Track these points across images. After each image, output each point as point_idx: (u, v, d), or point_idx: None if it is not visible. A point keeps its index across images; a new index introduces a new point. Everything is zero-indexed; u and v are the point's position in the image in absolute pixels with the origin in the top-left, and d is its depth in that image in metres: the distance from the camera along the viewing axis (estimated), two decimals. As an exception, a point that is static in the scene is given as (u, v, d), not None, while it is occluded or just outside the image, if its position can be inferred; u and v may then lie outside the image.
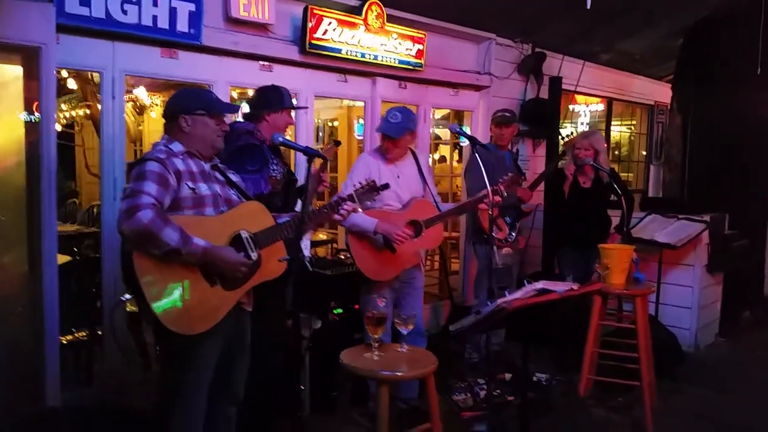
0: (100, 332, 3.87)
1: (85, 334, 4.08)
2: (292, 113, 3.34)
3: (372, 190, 2.79)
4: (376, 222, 3.32)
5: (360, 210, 2.84)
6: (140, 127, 8.33)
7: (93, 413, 3.32)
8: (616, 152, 8.85)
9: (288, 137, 2.79)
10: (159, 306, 2.18)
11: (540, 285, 2.64)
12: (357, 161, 3.64)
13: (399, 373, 2.49)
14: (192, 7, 3.62)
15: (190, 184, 2.35)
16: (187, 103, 2.47)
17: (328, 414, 3.62)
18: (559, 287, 2.64)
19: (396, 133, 3.41)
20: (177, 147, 2.40)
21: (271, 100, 3.12)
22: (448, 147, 7.30)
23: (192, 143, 2.44)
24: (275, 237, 2.51)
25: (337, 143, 3.98)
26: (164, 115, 2.48)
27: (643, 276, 3.88)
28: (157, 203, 2.18)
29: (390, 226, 3.34)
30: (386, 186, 2.85)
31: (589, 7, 3.25)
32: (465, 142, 5.99)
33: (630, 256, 3.73)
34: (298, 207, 3.33)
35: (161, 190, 2.22)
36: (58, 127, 7.68)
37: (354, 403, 3.39)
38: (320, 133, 8.13)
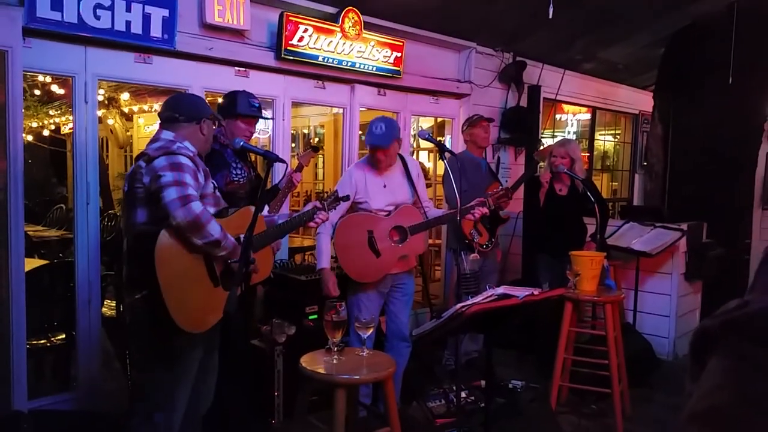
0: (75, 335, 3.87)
1: (62, 337, 4.09)
2: (265, 122, 3.36)
3: (336, 200, 2.97)
4: (326, 267, 3.44)
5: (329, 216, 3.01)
6: (128, 133, 8.37)
7: (59, 417, 3.31)
8: (607, 163, 8.89)
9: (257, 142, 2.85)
10: (175, 304, 2.25)
11: (501, 290, 2.64)
12: (343, 175, 3.72)
13: (356, 377, 2.49)
14: (165, 12, 3.63)
15: (213, 182, 2.51)
16: (205, 108, 2.62)
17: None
18: (520, 292, 2.65)
19: (385, 142, 3.43)
20: (192, 147, 2.48)
21: (224, 106, 3.17)
22: (433, 154, 7.31)
23: (201, 145, 2.55)
24: (266, 241, 2.67)
25: (315, 149, 3.98)
26: (180, 118, 2.52)
27: (613, 283, 3.90)
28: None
29: (328, 280, 3.42)
30: (347, 197, 3.07)
31: (550, 17, 3.27)
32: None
33: (600, 264, 3.75)
34: (270, 211, 3.38)
35: (196, 185, 2.33)
36: (47, 133, 7.82)
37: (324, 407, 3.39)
38: (310, 139, 8.19)
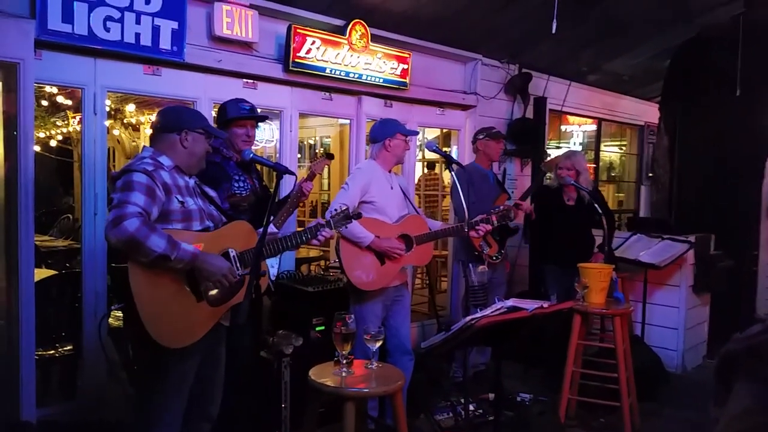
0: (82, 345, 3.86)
1: (69, 348, 4.08)
2: (272, 132, 3.34)
3: (346, 217, 2.84)
4: (372, 238, 3.33)
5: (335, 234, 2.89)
6: (134, 143, 8.40)
7: (67, 428, 3.30)
8: (613, 174, 8.89)
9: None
10: (148, 317, 2.21)
11: (510, 302, 2.63)
12: (362, 169, 3.58)
13: (366, 390, 2.47)
14: (175, 25, 3.66)
15: (180, 197, 2.39)
16: (190, 119, 2.52)
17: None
18: (529, 305, 2.63)
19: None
20: (166, 161, 2.43)
21: (218, 118, 3.14)
22: (438, 165, 7.33)
23: (183, 159, 2.47)
24: (261, 257, 2.54)
25: (330, 156, 3.94)
26: (161, 129, 2.49)
27: (622, 295, 3.88)
28: (144, 213, 2.21)
29: (385, 242, 3.36)
30: (359, 215, 2.89)
31: (554, 32, 3.28)
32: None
33: (609, 276, 3.73)
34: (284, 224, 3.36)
35: (149, 200, 2.25)
36: (54, 143, 7.85)
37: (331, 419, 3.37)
38: (317, 150, 8.20)
